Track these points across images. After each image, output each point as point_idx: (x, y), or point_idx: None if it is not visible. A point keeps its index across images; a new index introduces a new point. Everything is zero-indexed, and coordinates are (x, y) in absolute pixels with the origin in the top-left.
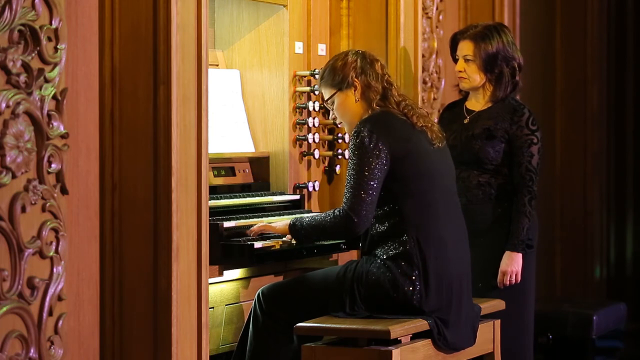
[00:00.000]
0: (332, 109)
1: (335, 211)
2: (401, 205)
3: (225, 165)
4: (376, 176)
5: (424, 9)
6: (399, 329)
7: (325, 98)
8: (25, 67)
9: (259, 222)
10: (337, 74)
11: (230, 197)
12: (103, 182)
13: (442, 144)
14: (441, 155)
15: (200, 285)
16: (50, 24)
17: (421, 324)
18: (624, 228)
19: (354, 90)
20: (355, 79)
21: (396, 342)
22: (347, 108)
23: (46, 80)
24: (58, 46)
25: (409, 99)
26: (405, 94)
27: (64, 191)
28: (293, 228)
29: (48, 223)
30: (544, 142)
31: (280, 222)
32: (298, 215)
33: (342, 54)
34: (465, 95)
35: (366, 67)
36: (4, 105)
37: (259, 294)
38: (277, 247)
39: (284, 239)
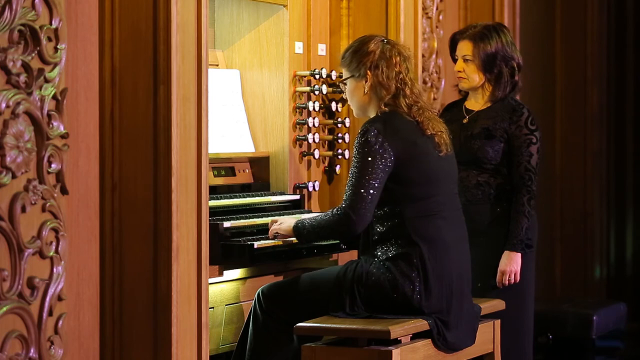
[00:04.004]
0: (344, 90)
1: (334, 210)
2: (402, 207)
3: (225, 165)
4: (378, 176)
5: (424, 9)
6: (399, 329)
7: (342, 77)
8: (25, 67)
9: (268, 221)
10: (354, 59)
11: (230, 197)
12: (103, 182)
13: (448, 150)
14: (446, 162)
15: (200, 285)
16: (50, 24)
17: (421, 324)
18: (624, 228)
19: (365, 82)
20: (369, 72)
21: (396, 342)
22: (355, 96)
23: (46, 80)
24: (58, 46)
25: (422, 101)
26: (420, 94)
27: (64, 191)
28: (297, 230)
29: (48, 223)
30: (543, 142)
31: (285, 222)
32: (301, 216)
33: (367, 39)
34: (464, 95)
35: (381, 62)
36: (4, 105)
37: (259, 293)
38: (276, 244)
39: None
